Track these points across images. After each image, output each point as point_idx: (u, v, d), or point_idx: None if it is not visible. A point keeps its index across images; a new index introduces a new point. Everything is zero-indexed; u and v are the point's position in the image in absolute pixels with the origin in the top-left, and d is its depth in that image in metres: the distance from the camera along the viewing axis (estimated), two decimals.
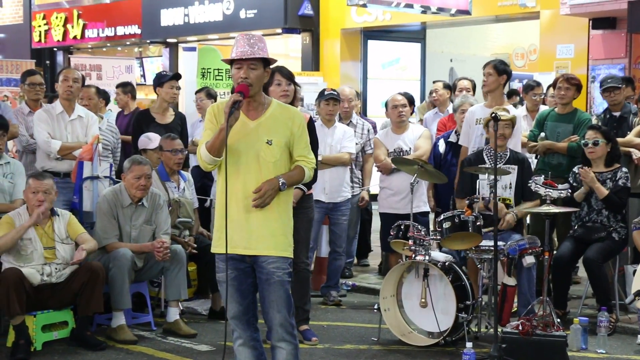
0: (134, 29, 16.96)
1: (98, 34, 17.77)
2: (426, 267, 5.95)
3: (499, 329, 5.57)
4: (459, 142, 7.20)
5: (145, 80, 17.31)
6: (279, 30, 14.45)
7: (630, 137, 7.08)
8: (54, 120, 6.82)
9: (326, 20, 14.43)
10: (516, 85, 15.95)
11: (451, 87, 9.26)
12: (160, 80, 7.55)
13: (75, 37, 18.15)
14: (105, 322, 6.32)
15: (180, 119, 7.68)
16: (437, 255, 6.18)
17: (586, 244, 6.53)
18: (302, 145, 4.22)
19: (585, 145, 6.63)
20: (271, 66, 4.23)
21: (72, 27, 18.15)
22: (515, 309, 6.33)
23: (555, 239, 7.28)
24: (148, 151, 7.03)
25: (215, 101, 8.69)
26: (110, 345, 6.02)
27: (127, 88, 9.45)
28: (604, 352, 5.94)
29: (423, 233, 6.12)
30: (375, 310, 6.23)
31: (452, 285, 5.86)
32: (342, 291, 7.74)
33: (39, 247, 5.90)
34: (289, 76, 5.66)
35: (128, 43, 17.98)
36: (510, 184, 6.49)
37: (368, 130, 7.95)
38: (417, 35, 14.55)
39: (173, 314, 6.37)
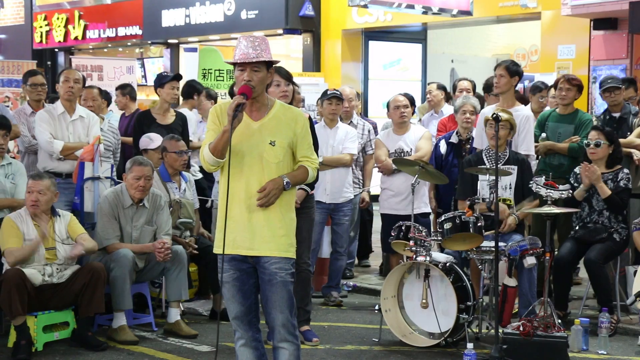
0: (135, 30, 16.97)
1: (99, 34, 17.79)
2: (427, 268, 5.95)
3: (500, 330, 5.57)
4: (473, 145, 7.19)
5: (146, 81, 17.32)
6: (280, 31, 14.46)
7: (631, 138, 7.09)
8: (55, 120, 6.83)
9: (327, 20, 14.43)
10: (517, 85, 15.94)
11: (445, 88, 9.26)
12: (161, 81, 7.55)
13: (76, 38, 18.16)
14: (106, 323, 6.32)
15: (181, 119, 7.68)
16: (438, 256, 6.18)
17: (587, 245, 6.53)
18: (306, 146, 4.23)
19: (587, 146, 6.63)
20: (273, 67, 4.24)
21: (73, 27, 18.16)
22: (516, 309, 6.32)
23: (556, 240, 7.26)
24: (149, 151, 7.03)
25: (215, 102, 8.70)
26: (111, 346, 6.02)
27: (125, 90, 9.45)
28: (605, 353, 5.94)
29: (424, 234, 6.12)
30: (376, 311, 6.23)
31: (453, 286, 5.86)
32: (343, 292, 7.74)
33: (40, 247, 5.90)
34: (287, 76, 5.67)
35: (129, 44, 17.99)
36: (510, 184, 6.49)
37: (369, 131, 7.95)
38: (418, 36, 14.55)
39: (174, 315, 6.37)
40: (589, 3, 10.26)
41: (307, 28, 14.47)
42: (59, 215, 6.09)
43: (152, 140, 7.09)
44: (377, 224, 8.43)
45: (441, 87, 9.11)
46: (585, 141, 6.69)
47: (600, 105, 10.42)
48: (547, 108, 8.26)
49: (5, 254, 5.83)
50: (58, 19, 18.44)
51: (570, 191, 6.28)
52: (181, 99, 8.54)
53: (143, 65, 17.93)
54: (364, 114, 12.36)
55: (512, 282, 6.10)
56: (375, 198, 8.28)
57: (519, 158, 6.58)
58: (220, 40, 15.50)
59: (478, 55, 16.33)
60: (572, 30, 11.20)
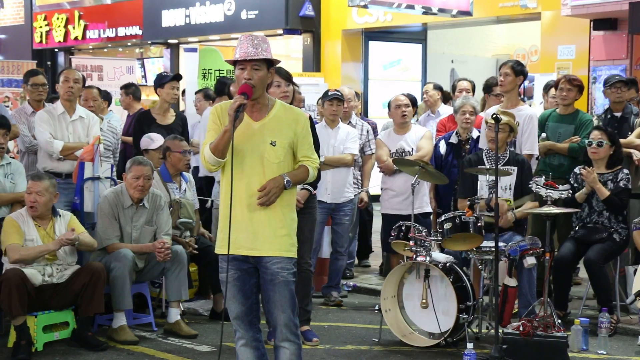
0: (135, 30, 16.96)
1: (99, 34, 17.78)
2: (427, 268, 5.95)
3: (500, 330, 5.57)
4: (479, 145, 7.19)
5: (146, 81, 17.32)
6: (280, 31, 14.45)
7: (631, 138, 7.09)
8: (55, 120, 6.83)
9: (327, 21, 14.43)
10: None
11: (442, 88, 9.25)
12: (161, 81, 7.55)
13: (76, 38, 18.16)
14: (106, 323, 6.32)
15: (181, 119, 7.69)
16: (438, 256, 6.18)
17: (587, 245, 6.53)
18: (306, 146, 4.22)
19: (589, 145, 6.63)
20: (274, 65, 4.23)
21: (73, 28, 18.15)
22: (516, 309, 6.32)
23: (556, 240, 7.26)
24: (150, 151, 7.03)
25: (213, 102, 8.70)
26: (111, 346, 6.02)
27: (129, 89, 9.45)
28: (604, 353, 5.94)
29: (424, 234, 6.12)
30: (376, 311, 6.23)
31: (453, 286, 5.86)
32: (343, 292, 7.74)
33: None
34: (288, 77, 5.68)
35: (129, 44, 17.99)
36: (510, 185, 6.49)
37: (367, 132, 7.95)
38: (418, 36, 14.54)
39: (174, 315, 6.37)
40: (589, 3, 10.26)
41: (307, 28, 14.46)
42: (60, 215, 6.09)
43: (153, 140, 7.09)
44: (377, 224, 8.43)
45: (437, 88, 9.10)
46: (588, 140, 6.69)
47: (600, 105, 10.43)
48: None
49: (8, 250, 5.82)
50: (58, 19, 18.43)
51: (570, 191, 6.28)
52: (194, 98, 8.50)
53: (143, 66, 17.93)
54: (364, 114, 12.36)
55: (512, 282, 6.10)
56: (374, 198, 8.28)
57: (518, 159, 6.58)
58: (220, 41, 15.50)
59: (478, 55, 16.33)
60: (572, 31, 11.21)
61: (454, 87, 9.17)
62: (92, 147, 6.74)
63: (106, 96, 9.49)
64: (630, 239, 6.57)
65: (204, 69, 10.90)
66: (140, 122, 7.48)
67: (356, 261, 8.78)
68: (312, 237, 6.09)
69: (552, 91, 7.91)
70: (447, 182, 6.78)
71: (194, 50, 11.41)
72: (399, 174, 7.27)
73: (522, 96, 12.40)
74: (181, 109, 10.94)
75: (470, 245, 6.08)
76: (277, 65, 4.37)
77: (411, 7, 11.12)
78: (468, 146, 7.36)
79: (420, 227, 6.18)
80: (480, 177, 6.43)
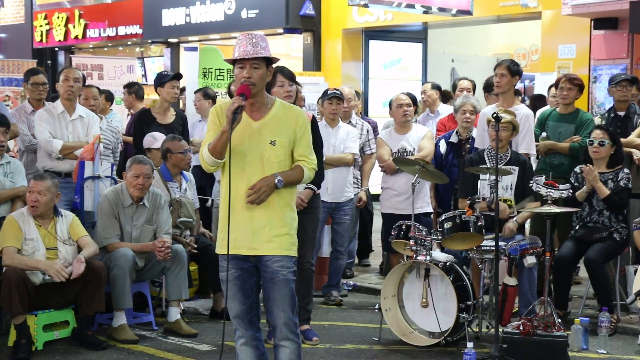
0: (136, 29, 16.96)
1: (99, 33, 17.78)
2: (427, 267, 5.95)
3: (500, 329, 5.57)
4: (475, 145, 7.19)
5: (146, 80, 17.31)
6: (281, 30, 14.45)
7: (632, 137, 7.08)
8: (55, 119, 6.83)
9: (327, 20, 14.43)
10: (518, 85, 15.93)
11: (440, 88, 9.25)
12: (161, 80, 7.55)
13: (76, 37, 18.16)
14: (106, 322, 6.32)
15: (182, 118, 7.68)
16: (438, 255, 6.18)
17: (587, 244, 6.53)
18: (304, 145, 4.22)
19: (590, 144, 6.62)
20: (273, 65, 4.23)
21: (74, 27, 18.15)
22: (516, 309, 6.32)
23: (556, 239, 7.26)
24: (152, 150, 7.03)
25: (214, 102, 8.71)
26: (112, 345, 6.02)
27: (131, 88, 9.45)
28: (605, 352, 5.94)
29: (424, 233, 6.11)
30: (376, 310, 6.23)
31: (453, 285, 5.86)
32: (343, 291, 7.74)
33: (42, 247, 5.90)
34: (291, 76, 5.68)
35: (129, 43, 17.99)
36: (511, 184, 6.49)
37: (367, 131, 7.94)
38: (419, 35, 14.54)
39: (174, 314, 6.37)
40: (590, 3, 10.25)
41: (307, 27, 14.46)
42: (62, 215, 6.09)
43: (156, 139, 7.08)
44: (377, 223, 8.43)
45: (436, 87, 9.10)
46: (589, 140, 6.68)
47: (600, 104, 10.43)
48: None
49: (3, 253, 5.82)
50: (58, 18, 18.43)
51: (571, 191, 6.28)
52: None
53: (143, 65, 17.94)
54: (365, 113, 12.35)
55: (512, 281, 6.10)
56: (374, 197, 8.28)
57: (520, 159, 6.57)
58: (221, 40, 15.49)
59: (478, 54, 16.32)
60: (573, 30, 11.20)
61: (454, 87, 9.17)
62: (92, 146, 6.74)
63: (109, 96, 9.49)
64: (631, 238, 6.57)
65: (205, 68, 10.89)
66: (141, 121, 7.48)
67: (356, 260, 8.78)
68: (315, 236, 6.09)
69: (552, 90, 7.92)
70: (447, 182, 6.78)
71: (195, 49, 11.40)
72: (400, 174, 7.26)
73: (523, 95, 12.41)
74: (180, 107, 10.94)
75: (470, 245, 6.08)
76: (281, 65, 4.37)
77: (411, 6, 11.12)
78: (468, 145, 7.36)
79: (420, 226, 6.18)
80: (482, 176, 6.43)
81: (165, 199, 6.57)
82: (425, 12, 11.50)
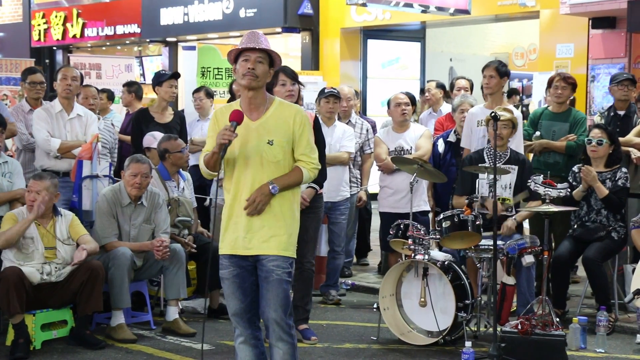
0: (134, 28, 16.95)
1: (97, 32, 17.77)
2: (425, 267, 5.95)
3: (498, 328, 5.57)
4: (461, 144, 7.19)
5: (144, 79, 17.29)
6: (279, 30, 14.45)
7: (630, 136, 7.08)
8: (53, 118, 6.82)
9: (326, 19, 14.42)
10: (516, 84, 15.96)
11: (444, 87, 9.25)
12: (159, 80, 7.54)
13: (74, 36, 18.14)
14: (104, 321, 6.32)
15: (180, 118, 7.68)
16: (437, 254, 6.18)
17: (585, 244, 6.53)
18: (304, 144, 4.20)
19: (588, 143, 6.62)
20: (275, 67, 4.24)
21: (72, 26, 18.14)
22: (515, 308, 6.33)
23: (552, 238, 7.26)
24: (152, 150, 7.03)
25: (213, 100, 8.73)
26: (110, 344, 6.02)
27: (131, 88, 9.44)
28: (603, 351, 5.95)
29: (422, 232, 6.11)
30: (374, 310, 6.24)
31: (451, 284, 5.86)
32: (342, 290, 7.74)
33: (40, 246, 5.90)
34: (293, 76, 5.67)
35: (127, 42, 17.98)
36: (510, 184, 6.49)
37: (367, 130, 7.94)
38: (417, 34, 14.55)
39: (172, 313, 6.37)
40: (588, 2, 10.25)
41: (305, 26, 14.46)
42: (61, 215, 6.08)
43: (155, 139, 7.07)
44: (375, 222, 8.43)
45: (440, 86, 9.09)
46: (587, 139, 6.68)
47: (598, 104, 10.43)
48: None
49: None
50: (56, 17, 18.42)
51: (569, 190, 6.28)
52: None
53: (141, 64, 17.91)
54: (363, 112, 12.35)
55: (510, 280, 6.11)
56: (373, 197, 8.27)
57: (520, 158, 6.57)
58: (219, 39, 15.49)
59: (477, 53, 16.34)
60: (571, 29, 11.20)
61: (452, 86, 9.16)
62: (90, 145, 6.73)
63: (111, 95, 9.48)
64: (629, 237, 6.57)
65: (203, 67, 10.90)
66: (139, 121, 7.47)
67: (355, 259, 8.78)
68: (316, 236, 6.09)
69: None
70: (445, 181, 6.77)
71: (193, 48, 11.42)
72: (397, 173, 7.26)
73: (521, 95, 12.39)
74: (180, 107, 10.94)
75: (468, 244, 6.08)
76: (283, 65, 4.37)
77: (409, 5, 11.12)
78: None
79: (418, 225, 6.18)
80: (481, 175, 6.43)
81: (163, 198, 6.57)
82: (423, 11, 11.50)
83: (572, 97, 7.26)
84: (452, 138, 7.49)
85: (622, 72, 7.52)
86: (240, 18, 14.72)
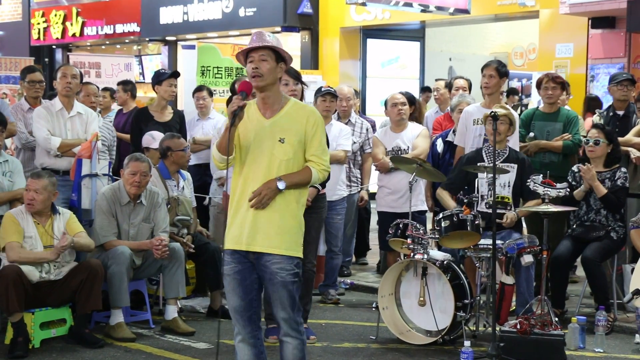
0: (133, 27, 16.95)
1: (97, 31, 17.77)
2: (424, 266, 5.95)
3: (497, 328, 5.57)
4: (455, 142, 7.20)
5: (144, 78, 17.31)
6: (278, 29, 14.45)
7: (629, 136, 7.08)
8: (53, 117, 6.82)
9: (325, 18, 14.43)
10: (515, 84, 15.97)
11: (452, 87, 9.25)
12: (158, 79, 7.54)
13: (74, 35, 18.15)
14: (103, 320, 6.32)
15: (179, 116, 7.67)
16: (436, 253, 6.18)
17: (584, 243, 6.53)
18: (315, 145, 4.19)
19: (586, 144, 6.62)
20: (286, 62, 4.21)
21: (71, 24, 18.14)
22: (514, 307, 6.33)
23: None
24: (151, 150, 7.02)
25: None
26: (109, 343, 6.01)
27: (127, 86, 9.42)
28: (601, 351, 5.95)
29: (421, 232, 6.11)
30: (373, 309, 6.23)
31: (450, 283, 5.86)
32: (341, 289, 7.74)
33: (39, 245, 5.90)
34: (296, 75, 5.68)
35: (127, 41, 17.98)
36: (509, 182, 6.48)
37: (367, 129, 7.93)
38: (417, 33, 14.56)
39: (171, 312, 6.37)
40: (587, 2, 10.27)
41: (305, 26, 14.47)
42: (59, 213, 6.08)
43: (154, 139, 7.07)
44: (374, 221, 8.42)
45: (448, 85, 9.12)
46: (585, 139, 6.68)
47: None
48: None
49: (7, 249, 5.80)
50: (56, 15, 18.42)
51: (568, 189, 6.28)
52: None
53: (141, 63, 17.92)
54: (362, 112, 12.35)
55: (509, 280, 6.11)
56: (374, 196, 8.27)
57: (519, 157, 6.57)
58: (219, 38, 15.49)
59: (476, 53, 16.35)
60: (570, 29, 11.21)
61: (450, 85, 9.17)
62: (89, 143, 6.73)
63: (113, 94, 9.47)
64: (628, 237, 6.57)
65: (203, 66, 10.90)
66: (138, 120, 7.47)
67: (354, 259, 8.78)
68: (318, 237, 6.08)
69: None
70: (444, 180, 6.77)
71: (192, 47, 11.41)
72: (395, 172, 7.26)
73: (520, 94, 12.38)
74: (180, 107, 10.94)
75: (467, 243, 6.08)
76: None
77: (409, 4, 11.13)
78: None
79: (418, 224, 6.18)
80: (480, 174, 6.43)
81: (162, 197, 6.57)
82: (423, 11, 11.51)
83: (570, 96, 7.24)
84: (451, 138, 7.48)
85: (622, 72, 7.51)
86: (239, 17, 14.73)
